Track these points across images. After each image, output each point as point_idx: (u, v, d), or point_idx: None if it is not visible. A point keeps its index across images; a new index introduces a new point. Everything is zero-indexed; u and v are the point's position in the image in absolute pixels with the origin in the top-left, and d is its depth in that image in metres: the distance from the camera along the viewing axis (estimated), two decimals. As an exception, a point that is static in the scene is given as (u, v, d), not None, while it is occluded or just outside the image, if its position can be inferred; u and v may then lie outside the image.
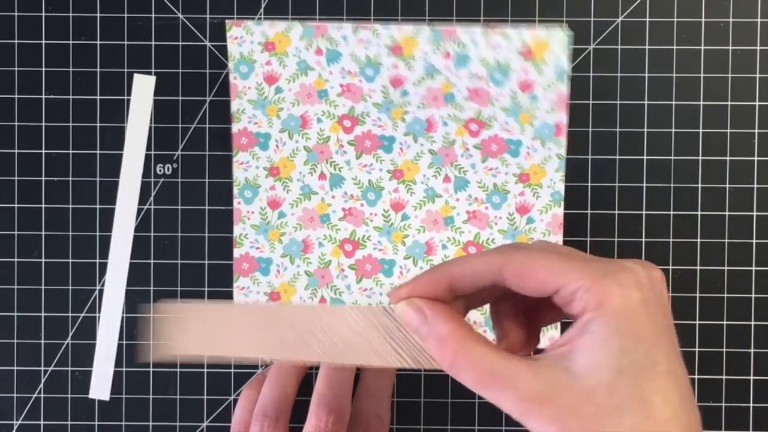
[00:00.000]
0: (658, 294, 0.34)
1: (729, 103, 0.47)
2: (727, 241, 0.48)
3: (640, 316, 0.33)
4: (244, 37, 0.47)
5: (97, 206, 0.48)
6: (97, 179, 0.48)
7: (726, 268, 0.48)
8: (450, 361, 0.35)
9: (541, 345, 0.43)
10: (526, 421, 0.33)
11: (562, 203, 0.47)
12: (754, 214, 0.48)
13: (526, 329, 0.38)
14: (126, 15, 0.48)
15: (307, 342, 0.39)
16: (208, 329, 0.39)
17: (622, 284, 0.33)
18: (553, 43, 0.46)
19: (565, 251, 0.36)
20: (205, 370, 0.48)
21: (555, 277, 0.34)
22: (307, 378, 0.47)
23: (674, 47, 0.47)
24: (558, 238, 0.47)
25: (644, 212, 0.47)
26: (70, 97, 0.48)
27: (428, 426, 0.48)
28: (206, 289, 0.48)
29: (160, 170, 0.48)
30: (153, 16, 0.48)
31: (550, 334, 0.47)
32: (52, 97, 0.48)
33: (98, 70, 0.48)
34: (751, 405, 0.48)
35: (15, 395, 0.48)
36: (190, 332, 0.39)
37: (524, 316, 0.38)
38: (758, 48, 0.47)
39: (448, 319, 0.36)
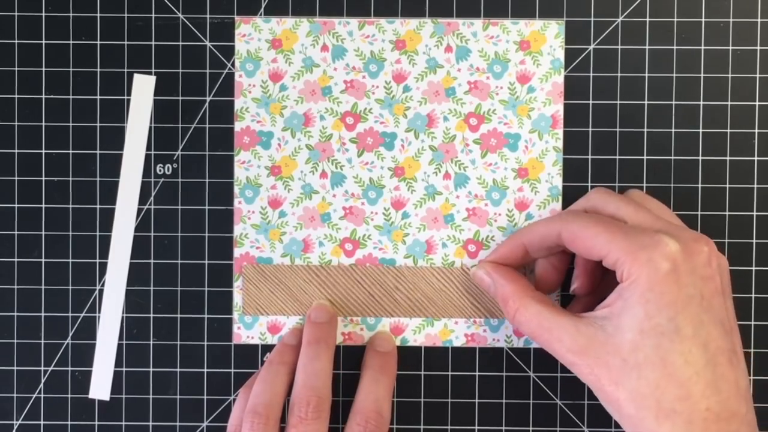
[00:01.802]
0: (695, 266, 0.39)
1: (729, 103, 0.47)
2: (727, 241, 0.48)
3: (667, 286, 0.38)
4: (252, 35, 0.47)
5: (97, 206, 0.48)
6: (97, 179, 0.48)
7: (726, 268, 0.48)
8: (512, 315, 0.43)
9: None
10: (573, 369, 0.40)
11: (560, 198, 0.47)
12: (754, 214, 0.48)
13: (591, 279, 0.45)
14: (126, 15, 0.48)
15: (393, 297, 0.47)
16: (293, 288, 0.47)
17: (652, 258, 0.38)
18: (549, 34, 0.47)
19: (621, 218, 0.41)
20: (205, 370, 0.48)
21: (598, 249, 0.40)
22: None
23: (674, 47, 0.47)
24: (558, 236, 0.47)
25: (644, 212, 0.47)
26: (70, 97, 0.48)
27: (428, 426, 0.48)
28: (206, 289, 0.48)
29: (160, 170, 0.48)
30: (153, 16, 0.48)
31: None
32: (52, 97, 0.48)
33: (98, 70, 0.48)
34: (752, 405, 0.48)
35: (15, 395, 0.48)
36: (278, 292, 0.47)
37: (593, 269, 0.45)
38: (758, 48, 0.47)
39: (510, 281, 0.44)
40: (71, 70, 0.48)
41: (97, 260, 0.48)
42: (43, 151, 0.48)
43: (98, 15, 0.48)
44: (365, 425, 0.43)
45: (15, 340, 0.48)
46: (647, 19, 0.47)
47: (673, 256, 0.38)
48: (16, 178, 0.48)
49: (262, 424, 0.43)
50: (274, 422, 0.43)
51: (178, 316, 0.48)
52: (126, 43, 0.48)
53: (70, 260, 0.48)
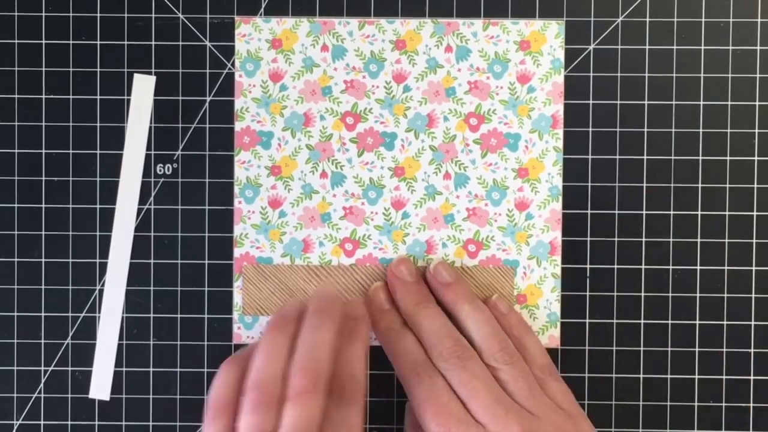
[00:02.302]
0: None
1: (729, 103, 0.47)
2: (727, 241, 0.48)
3: None
4: (252, 35, 0.47)
5: (97, 206, 0.48)
6: (97, 179, 0.48)
7: (726, 268, 0.48)
8: None
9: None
10: None
11: (560, 198, 0.47)
12: (754, 214, 0.48)
13: None
14: (126, 15, 0.48)
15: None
16: (293, 288, 0.47)
17: None
18: (549, 34, 0.47)
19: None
20: (206, 370, 0.48)
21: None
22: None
23: (674, 47, 0.47)
24: (557, 234, 0.47)
25: (644, 212, 0.47)
26: (70, 97, 0.48)
27: (428, 426, 0.48)
28: (206, 289, 0.48)
29: (160, 170, 0.48)
30: (153, 16, 0.48)
31: (549, 333, 0.47)
32: (52, 97, 0.48)
33: (98, 70, 0.48)
34: (751, 405, 0.48)
35: (15, 395, 0.48)
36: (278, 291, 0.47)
37: None
38: (758, 48, 0.47)
39: None
40: (71, 70, 0.48)
41: (97, 260, 0.48)
42: (43, 151, 0.48)
43: (98, 15, 0.48)
44: (340, 391, 0.40)
45: (15, 340, 0.48)
46: (647, 19, 0.47)
47: None
48: (16, 178, 0.48)
49: (272, 406, 0.38)
50: (277, 401, 0.38)
51: (178, 316, 0.48)
52: (126, 43, 0.48)
53: (70, 260, 0.48)
